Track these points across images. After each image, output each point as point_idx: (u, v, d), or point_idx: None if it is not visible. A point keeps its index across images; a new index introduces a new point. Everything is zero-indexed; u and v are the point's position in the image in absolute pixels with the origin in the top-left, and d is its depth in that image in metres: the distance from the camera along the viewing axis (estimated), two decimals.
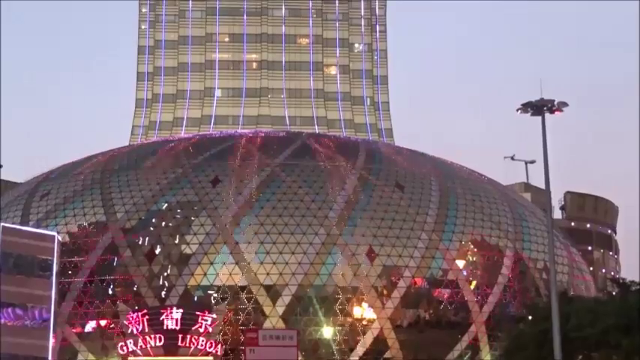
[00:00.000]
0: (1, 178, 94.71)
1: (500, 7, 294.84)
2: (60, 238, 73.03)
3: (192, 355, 74.92)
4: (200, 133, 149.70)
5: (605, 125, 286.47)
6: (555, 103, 51.01)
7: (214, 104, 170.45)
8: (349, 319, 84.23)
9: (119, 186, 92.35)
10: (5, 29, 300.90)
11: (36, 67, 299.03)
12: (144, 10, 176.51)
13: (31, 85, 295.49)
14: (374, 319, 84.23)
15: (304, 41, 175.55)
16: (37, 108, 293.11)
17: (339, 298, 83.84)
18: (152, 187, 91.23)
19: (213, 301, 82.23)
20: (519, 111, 51.35)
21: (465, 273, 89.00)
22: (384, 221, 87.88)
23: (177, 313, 75.68)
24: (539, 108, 51.01)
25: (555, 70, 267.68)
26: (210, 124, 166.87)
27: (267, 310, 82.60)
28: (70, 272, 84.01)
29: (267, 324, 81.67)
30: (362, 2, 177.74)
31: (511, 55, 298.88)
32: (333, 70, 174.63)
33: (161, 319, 75.49)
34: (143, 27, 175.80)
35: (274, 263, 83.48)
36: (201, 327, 75.55)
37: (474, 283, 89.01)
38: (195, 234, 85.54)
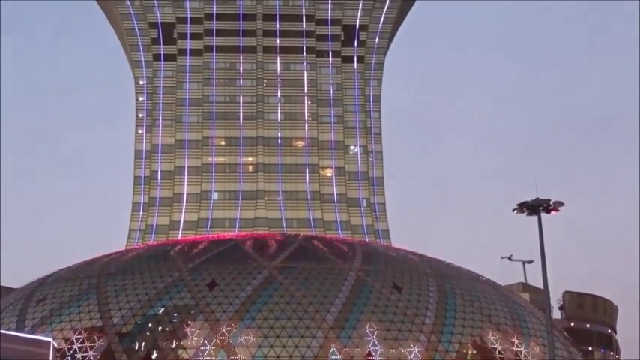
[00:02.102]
0: None
1: (504, 122, 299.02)
2: (56, 344, 72.21)
3: None
4: (197, 236, 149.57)
5: (605, 223, 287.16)
6: (551, 202, 51.34)
7: (211, 207, 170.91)
8: None
9: (115, 290, 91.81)
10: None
11: (32, 172, 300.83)
12: (140, 115, 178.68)
13: (27, 191, 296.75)
14: None
15: (300, 144, 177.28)
16: (34, 213, 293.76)
17: None
18: (148, 291, 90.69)
19: None
20: (515, 211, 51.62)
21: None
22: (383, 323, 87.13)
23: None
24: (535, 208, 51.34)
25: (553, 167, 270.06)
26: (206, 227, 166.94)
27: None
28: None
29: None
30: (357, 106, 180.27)
31: (507, 152, 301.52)
32: (329, 173, 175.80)
33: None
34: (140, 132, 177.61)
35: None
36: None
37: None
38: (192, 338, 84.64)
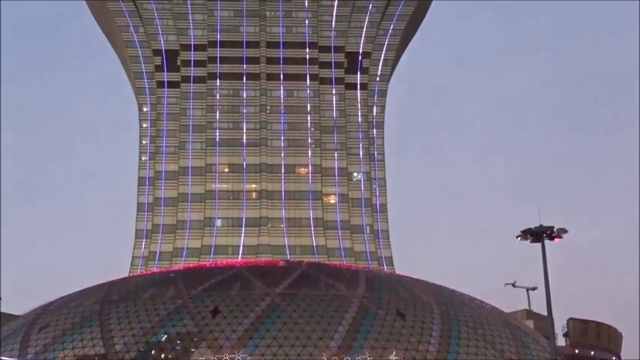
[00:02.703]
0: (0, 310, 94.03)
1: (508, 145, 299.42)
2: None
3: None
4: (200, 263, 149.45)
5: (608, 249, 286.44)
6: (555, 229, 51.27)
7: (214, 234, 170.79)
8: None
9: (118, 317, 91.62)
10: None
11: (34, 198, 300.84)
12: (144, 142, 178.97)
13: (28, 217, 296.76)
14: None
15: (303, 171, 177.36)
16: (36, 239, 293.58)
17: None
18: (151, 318, 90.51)
19: None
20: (519, 238, 51.56)
21: None
22: (386, 350, 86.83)
23: None
24: (538, 235, 51.27)
25: (556, 193, 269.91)
26: (210, 254, 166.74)
27: None
28: None
29: None
30: (360, 132, 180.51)
31: (510, 181, 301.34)
32: (333, 199, 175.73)
33: None
34: (144, 158, 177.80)
35: None
36: None
37: None
38: None
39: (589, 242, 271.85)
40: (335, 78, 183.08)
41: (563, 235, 50.89)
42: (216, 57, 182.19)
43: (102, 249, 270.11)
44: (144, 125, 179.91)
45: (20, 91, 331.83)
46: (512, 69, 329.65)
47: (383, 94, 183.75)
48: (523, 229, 51.29)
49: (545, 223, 50.82)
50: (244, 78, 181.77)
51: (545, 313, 52.45)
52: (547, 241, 50.82)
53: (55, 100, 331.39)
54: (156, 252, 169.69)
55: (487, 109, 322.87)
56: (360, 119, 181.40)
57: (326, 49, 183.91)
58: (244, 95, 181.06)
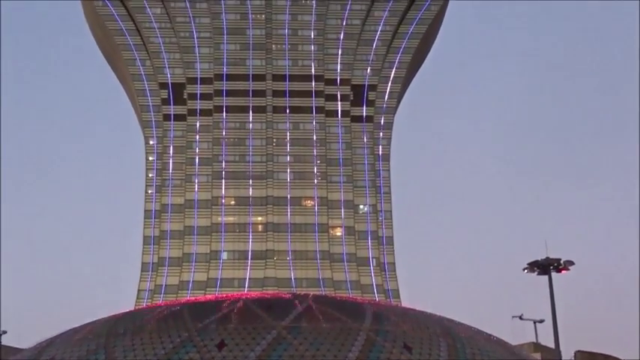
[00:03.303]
0: (4, 343, 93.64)
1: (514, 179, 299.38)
2: None
3: None
4: (206, 295, 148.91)
5: (613, 281, 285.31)
6: (562, 261, 51.08)
7: (220, 267, 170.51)
8: None
9: (124, 350, 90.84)
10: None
11: (39, 229, 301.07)
12: (150, 175, 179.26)
13: (33, 247, 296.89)
14: None
15: (309, 203, 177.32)
16: (40, 271, 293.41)
17: None
18: (157, 352, 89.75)
19: None
20: (526, 270, 51.38)
21: None
22: None
23: None
24: (545, 267, 51.12)
25: (562, 226, 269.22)
26: (216, 287, 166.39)
27: None
28: None
29: None
30: (366, 165, 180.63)
31: (516, 214, 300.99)
32: (339, 232, 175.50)
33: None
34: (150, 191, 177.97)
35: None
36: None
37: None
38: None
39: (597, 273, 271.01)
40: (341, 110, 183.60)
41: (570, 268, 50.71)
42: (223, 90, 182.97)
43: (107, 282, 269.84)
44: (150, 158, 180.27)
45: (24, 133, 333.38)
46: (513, 91, 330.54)
47: (389, 126, 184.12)
48: (530, 261, 51.12)
49: (553, 255, 50.74)
50: (250, 111, 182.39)
51: (552, 345, 52.08)
52: (554, 273, 50.66)
53: (59, 132, 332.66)
54: (162, 285, 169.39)
55: (493, 137, 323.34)
56: (366, 152, 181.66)
57: (332, 82, 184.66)
58: (250, 128, 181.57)
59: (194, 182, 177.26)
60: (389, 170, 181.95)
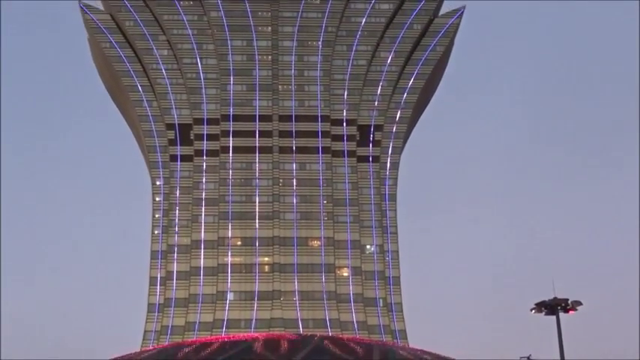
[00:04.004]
0: None
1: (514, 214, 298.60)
2: None
3: None
4: (213, 337, 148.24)
5: (620, 319, 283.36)
6: (569, 302, 50.81)
7: (227, 308, 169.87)
8: None
9: None
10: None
11: (45, 270, 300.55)
12: (157, 215, 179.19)
13: (37, 282, 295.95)
14: None
15: (316, 243, 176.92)
16: (45, 310, 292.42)
17: None
18: None
19: None
20: (533, 311, 51.05)
21: None
22: None
23: None
24: (553, 308, 50.77)
25: (567, 267, 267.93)
26: (222, 328, 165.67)
27: None
28: None
29: None
30: (372, 205, 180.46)
31: (523, 251, 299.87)
32: (345, 272, 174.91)
33: None
34: (156, 232, 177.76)
35: None
36: None
37: None
38: None
39: (604, 312, 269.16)
40: (347, 151, 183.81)
41: (577, 308, 50.40)
42: (229, 130, 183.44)
43: (113, 323, 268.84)
44: (157, 199, 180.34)
45: (24, 173, 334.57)
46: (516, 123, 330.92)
47: (395, 166, 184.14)
48: (537, 301, 50.85)
49: (560, 296, 50.46)
50: (257, 151, 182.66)
51: None
52: (561, 314, 50.35)
53: (64, 172, 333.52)
54: (168, 326, 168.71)
55: (497, 180, 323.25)
56: (372, 192, 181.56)
57: (338, 122, 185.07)
58: (257, 168, 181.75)
59: (201, 223, 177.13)
60: (395, 210, 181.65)
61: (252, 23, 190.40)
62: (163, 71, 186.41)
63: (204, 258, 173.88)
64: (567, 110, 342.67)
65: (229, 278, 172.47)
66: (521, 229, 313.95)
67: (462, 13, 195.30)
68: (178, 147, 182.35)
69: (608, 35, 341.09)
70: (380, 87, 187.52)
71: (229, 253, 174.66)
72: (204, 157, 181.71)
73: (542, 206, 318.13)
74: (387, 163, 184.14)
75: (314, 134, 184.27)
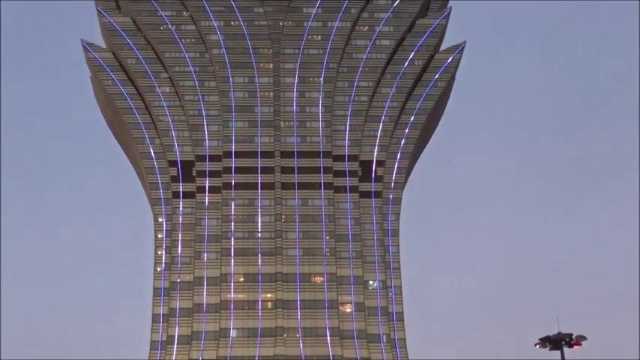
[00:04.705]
0: None
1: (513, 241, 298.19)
2: None
3: None
4: None
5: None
6: (574, 336, 50.53)
7: (230, 345, 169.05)
8: None
9: None
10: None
11: (45, 310, 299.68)
12: (159, 252, 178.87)
13: (41, 300, 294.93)
14: None
15: (319, 280, 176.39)
16: (52, 328, 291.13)
17: None
18: None
19: None
20: (538, 346, 50.77)
21: None
22: None
23: None
24: (557, 342, 50.50)
25: (570, 303, 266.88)
26: None
27: None
28: None
29: None
30: (375, 241, 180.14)
31: (525, 289, 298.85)
32: (348, 308, 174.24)
33: None
34: (159, 269, 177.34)
35: None
36: None
37: None
38: None
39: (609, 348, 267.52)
40: (349, 186, 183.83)
41: (582, 343, 50.10)
42: (231, 167, 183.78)
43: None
44: (159, 236, 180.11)
45: (25, 200, 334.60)
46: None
47: (397, 201, 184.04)
48: (542, 336, 50.57)
49: (564, 331, 50.15)
50: (259, 187, 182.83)
51: None
52: (566, 349, 50.05)
53: (65, 211, 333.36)
54: None
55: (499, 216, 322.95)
56: (374, 227, 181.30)
57: (340, 158, 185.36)
58: (259, 204, 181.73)
59: (203, 259, 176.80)
60: (398, 245, 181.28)
61: (253, 60, 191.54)
62: (165, 108, 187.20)
63: (206, 295, 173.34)
64: (568, 139, 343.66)
65: (232, 315, 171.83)
66: (524, 264, 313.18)
67: (463, 48, 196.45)
68: (180, 184, 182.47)
69: (609, 63, 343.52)
70: (381, 123, 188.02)
71: (232, 290, 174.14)
72: (207, 194, 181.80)
73: (544, 247, 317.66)
74: (389, 198, 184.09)
75: (316, 170, 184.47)
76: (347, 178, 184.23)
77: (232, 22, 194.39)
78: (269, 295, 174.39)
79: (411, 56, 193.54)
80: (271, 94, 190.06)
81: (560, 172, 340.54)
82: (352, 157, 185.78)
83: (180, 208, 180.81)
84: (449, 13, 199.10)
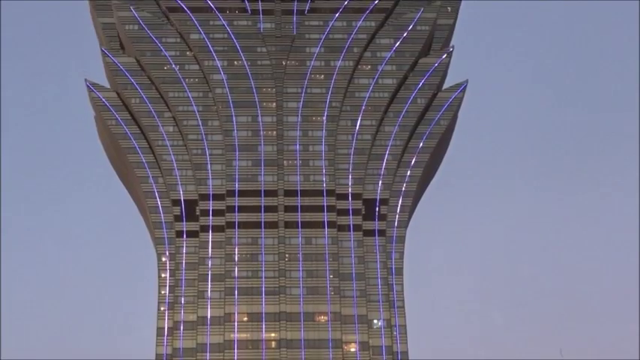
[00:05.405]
0: None
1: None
2: None
3: None
4: None
5: None
6: None
7: None
8: None
9: None
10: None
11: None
12: (163, 292, 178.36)
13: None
14: None
15: (323, 319, 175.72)
16: (56, 342, 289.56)
17: None
18: None
19: None
20: None
21: None
22: None
23: None
24: None
25: (573, 337, 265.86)
26: None
27: None
28: None
29: None
30: (379, 279, 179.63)
31: (530, 322, 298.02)
32: (353, 348, 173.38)
33: None
34: (162, 309, 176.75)
35: None
36: None
37: None
38: None
39: None
40: (353, 225, 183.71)
41: None
42: (235, 206, 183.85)
43: None
44: (162, 275, 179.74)
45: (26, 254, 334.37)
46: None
47: (401, 240, 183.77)
48: None
49: None
50: (262, 226, 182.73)
51: None
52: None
53: (68, 248, 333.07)
54: None
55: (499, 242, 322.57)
56: (378, 266, 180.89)
57: (343, 197, 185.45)
58: (263, 243, 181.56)
59: (207, 299, 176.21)
60: (402, 284, 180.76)
61: (257, 99, 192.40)
62: (169, 147, 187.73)
63: (210, 334, 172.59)
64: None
65: (236, 355, 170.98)
66: (531, 306, 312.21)
67: (466, 87, 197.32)
68: (184, 223, 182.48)
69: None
70: (385, 161, 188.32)
71: (236, 329, 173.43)
72: (210, 233, 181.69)
73: (546, 268, 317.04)
74: (392, 236, 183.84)
75: (319, 209, 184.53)
76: (350, 217, 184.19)
77: (235, 62, 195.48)
78: (273, 335, 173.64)
79: (413, 95, 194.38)
80: (274, 132, 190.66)
81: (565, 215, 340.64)
82: (355, 196, 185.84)
83: (184, 247, 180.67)
84: (451, 52, 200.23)
